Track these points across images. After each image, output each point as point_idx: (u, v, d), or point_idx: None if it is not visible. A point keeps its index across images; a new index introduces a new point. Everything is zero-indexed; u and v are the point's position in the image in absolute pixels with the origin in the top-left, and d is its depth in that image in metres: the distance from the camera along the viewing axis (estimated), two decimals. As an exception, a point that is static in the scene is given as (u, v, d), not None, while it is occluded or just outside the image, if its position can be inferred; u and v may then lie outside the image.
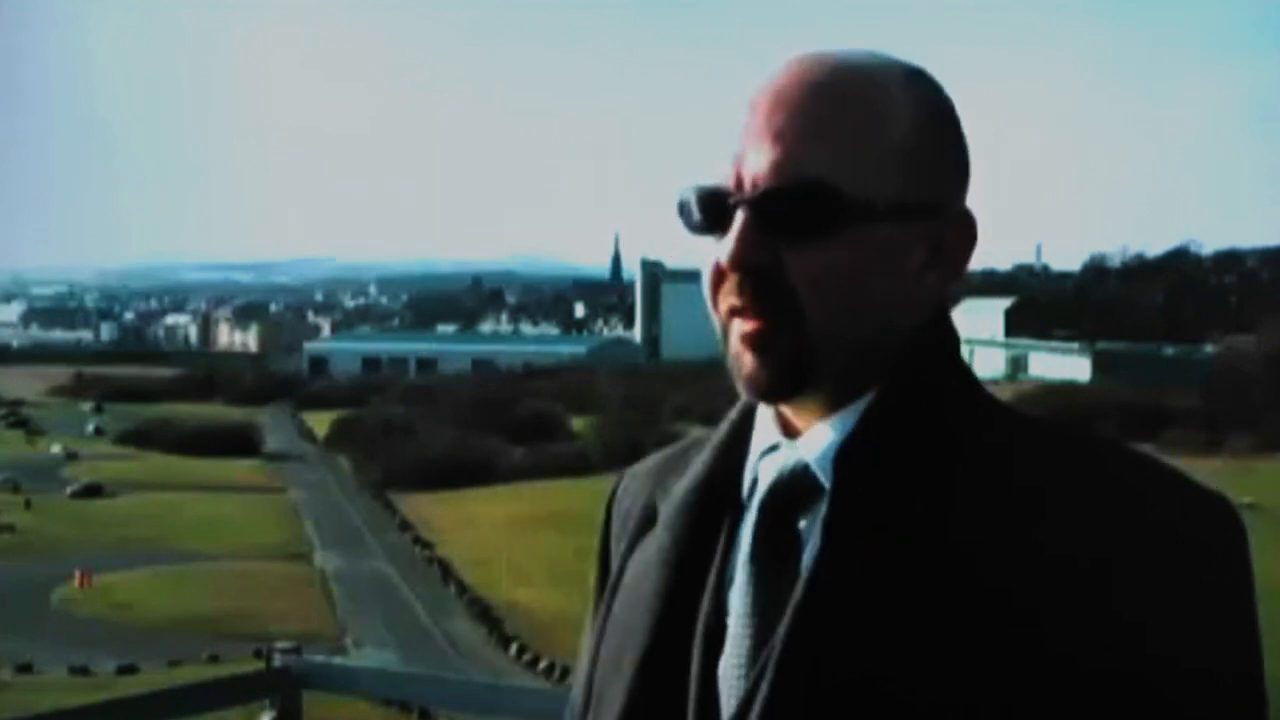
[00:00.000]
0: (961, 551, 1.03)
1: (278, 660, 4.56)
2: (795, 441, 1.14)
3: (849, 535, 1.06)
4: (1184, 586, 1.03)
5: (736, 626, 1.11)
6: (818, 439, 1.13)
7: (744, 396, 1.18)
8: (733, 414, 1.24)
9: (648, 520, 1.24)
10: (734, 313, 1.12)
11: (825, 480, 1.11)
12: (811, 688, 1.03)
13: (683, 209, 1.16)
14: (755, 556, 1.12)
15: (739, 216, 1.10)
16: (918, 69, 1.16)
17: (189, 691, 4.70)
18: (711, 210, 1.13)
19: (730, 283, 1.11)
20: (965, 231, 1.15)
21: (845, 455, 1.10)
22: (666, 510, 1.21)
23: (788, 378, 1.11)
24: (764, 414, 1.19)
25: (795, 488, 1.13)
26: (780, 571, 1.10)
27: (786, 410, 1.16)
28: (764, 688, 1.06)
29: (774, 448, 1.16)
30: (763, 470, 1.16)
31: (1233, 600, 1.05)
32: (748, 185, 1.11)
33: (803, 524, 1.11)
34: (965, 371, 1.17)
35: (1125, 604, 1.02)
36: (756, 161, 1.11)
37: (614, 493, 1.33)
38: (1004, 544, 1.03)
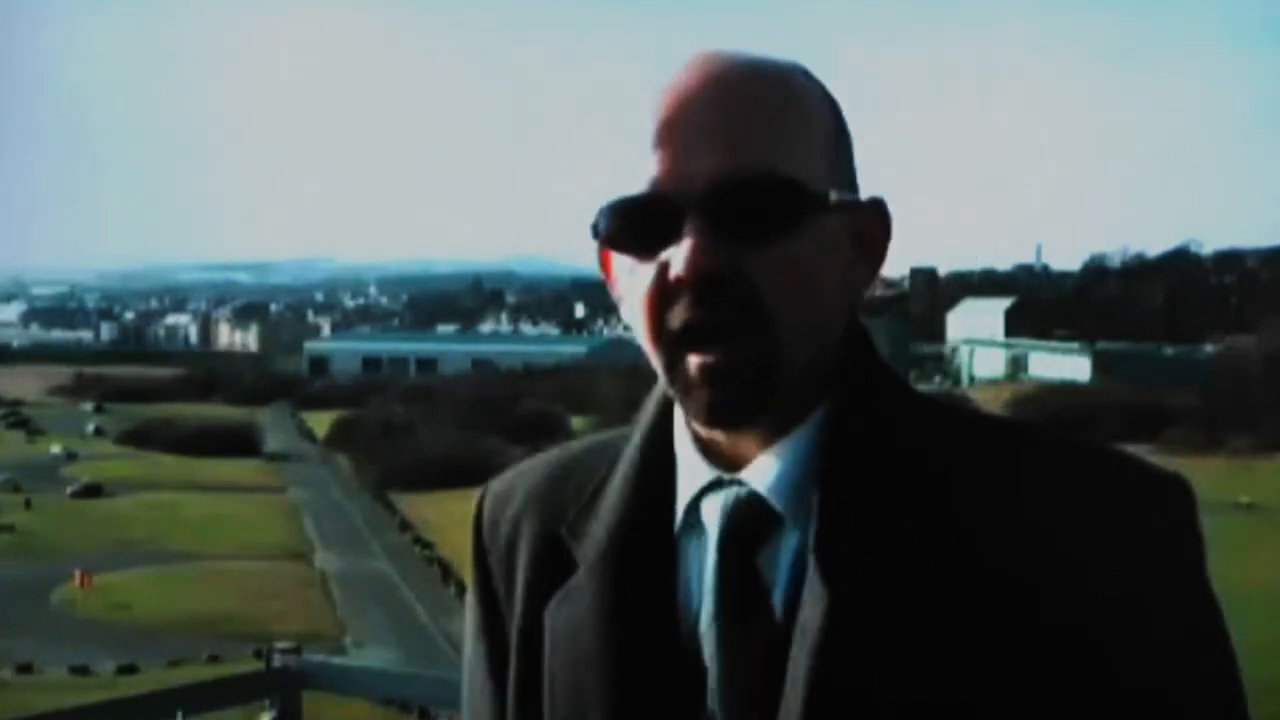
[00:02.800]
0: (952, 568, 1.00)
1: (278, 660, 4.55)
2: (740, 474, 1.07)
3: (844, 566, 1.01)
4: (1152, 575, 1.01)
5: (718, 666, 1.05)
6: (765, 468, 1.06)
7: (698, 425, 1.08)
8: (636, 440, 1.15)
9: (552, 558, 1.14)
10: (688, 334, 1.03)
11: (782, 509, 1.05)
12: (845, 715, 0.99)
13: (622, 228, 1.06)
14: (723, 599, 1.05)
15: (691, 222, 1.01)
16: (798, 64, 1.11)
17: (189, 691, 4.69)
18: (660, 221, 1.02)
19: (686, 297, 1.02)
20: (881, 221, 1.10)
21: (821, 483, 1.04)
22: (588, 555, 1.12)
23: (751, 403, 1.03)
24: (684, 445, 1.11)
25: (749, 522, 1.06)
26: (755, 608, 1.04)
27: (721, 439, 1.08)
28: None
29: (716, 483, 1.08)
30: (706, 510, 1.08)
31: (1193, 581, 1.04)
32: (693, 188, 1.01)
33: (760, 558, 1.05)
34: (894, 373, 1.11)
35: (1101, 595, 1.00)
36: (699, 161, 1.01)
37: (480, 515, 1.23)
38: (985, 552, 1.00)
